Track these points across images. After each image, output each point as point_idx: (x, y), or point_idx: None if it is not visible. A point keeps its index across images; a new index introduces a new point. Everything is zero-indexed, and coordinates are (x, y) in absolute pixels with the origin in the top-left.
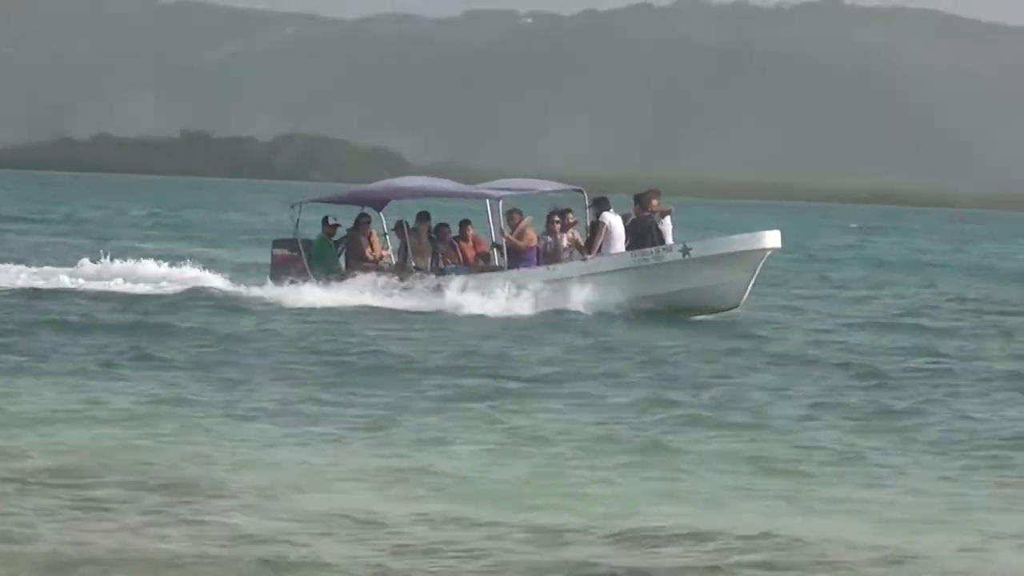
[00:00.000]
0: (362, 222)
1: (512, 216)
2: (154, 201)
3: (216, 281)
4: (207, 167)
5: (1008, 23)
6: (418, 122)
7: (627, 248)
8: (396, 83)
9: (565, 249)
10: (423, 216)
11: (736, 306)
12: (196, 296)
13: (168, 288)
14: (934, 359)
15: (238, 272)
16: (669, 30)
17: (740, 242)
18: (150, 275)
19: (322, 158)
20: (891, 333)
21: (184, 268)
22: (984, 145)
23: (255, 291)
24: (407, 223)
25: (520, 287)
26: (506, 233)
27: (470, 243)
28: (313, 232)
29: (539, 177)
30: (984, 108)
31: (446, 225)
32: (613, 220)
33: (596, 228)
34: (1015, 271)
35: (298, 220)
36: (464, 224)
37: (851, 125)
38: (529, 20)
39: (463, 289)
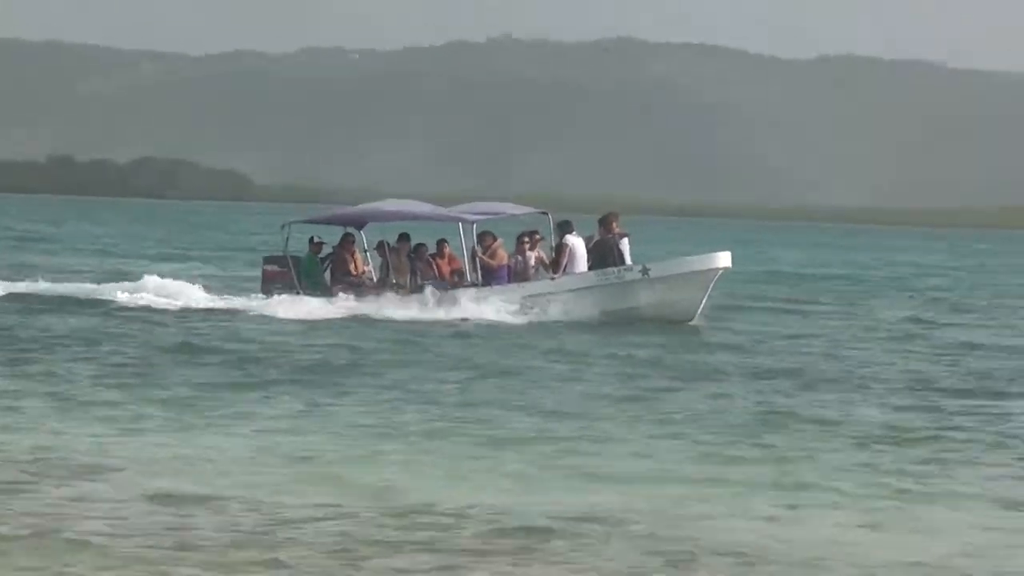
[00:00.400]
0: (347, 241)
1: (485, 238)
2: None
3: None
4: (71, 187)
5: (781, 56)
6: (262, 146)
7: (591, 267)
8: (242, 112)
9: (532, 267)
10: (404, 237)
11: (691, 319)
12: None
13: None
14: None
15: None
16: (483, 64)
17: (695, 263)
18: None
19: (177, 179)
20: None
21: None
22: (756, 163)
23: (246, 302)
24: (388, 243)
25: (504, 302)
26: (479, 253)
27: (446, 260)
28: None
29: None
30: (758, 131)
31: (423, 245)
32: (576, 242)
33: (560, 250)
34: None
35: (287, 239)
36: (441, 243)
37: (645, 146)
38: (356, 56)
39: (475, 300)
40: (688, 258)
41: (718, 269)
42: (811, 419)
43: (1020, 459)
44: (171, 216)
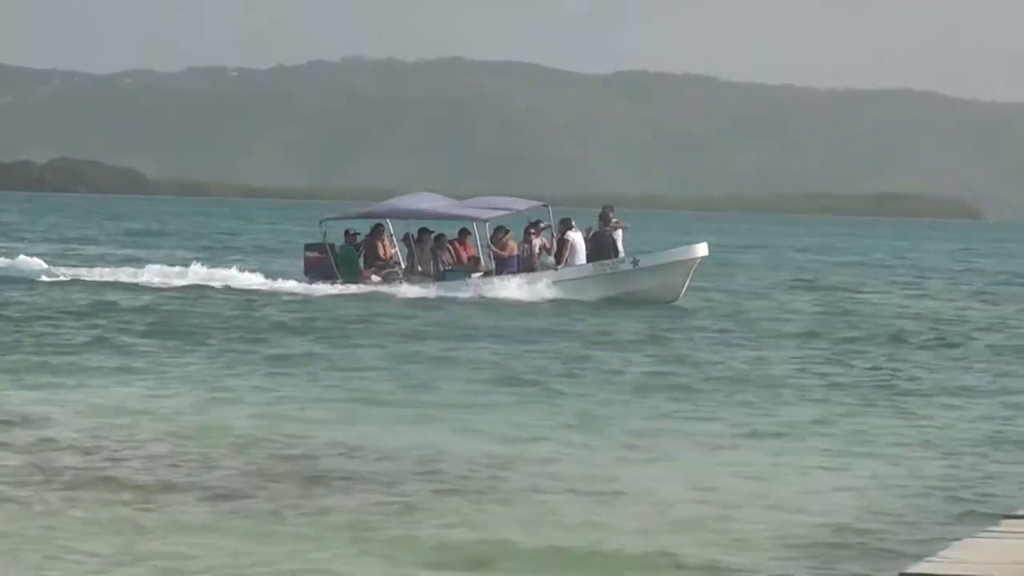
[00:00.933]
0: (378, 230)
1: (498, 232)
2: None
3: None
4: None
5: (586, 72)
6: (154, 148)
7: (589, 257)
8: (138, 121)
9: (536, 253)
10: (424, 231)
11: (676, 300)
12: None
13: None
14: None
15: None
16: (339, 80)
17: (678, 253)
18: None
19: (85, 176)
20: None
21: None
22: (568, 162)
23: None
24: (413, 235)
25: (521, 287)
26: (493, 247)
27: (465, 249)
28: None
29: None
30: (566, 136)
31: (443, 235)
32: (575, 237)
33: (562, 245)
34: None
35: (325, 232)
36: (463, 232)
37: (465, 147)
38: (235, 73)
39: (517, 285)
40: (673, 249)
41: (698, 258)
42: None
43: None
44: (88, 207)
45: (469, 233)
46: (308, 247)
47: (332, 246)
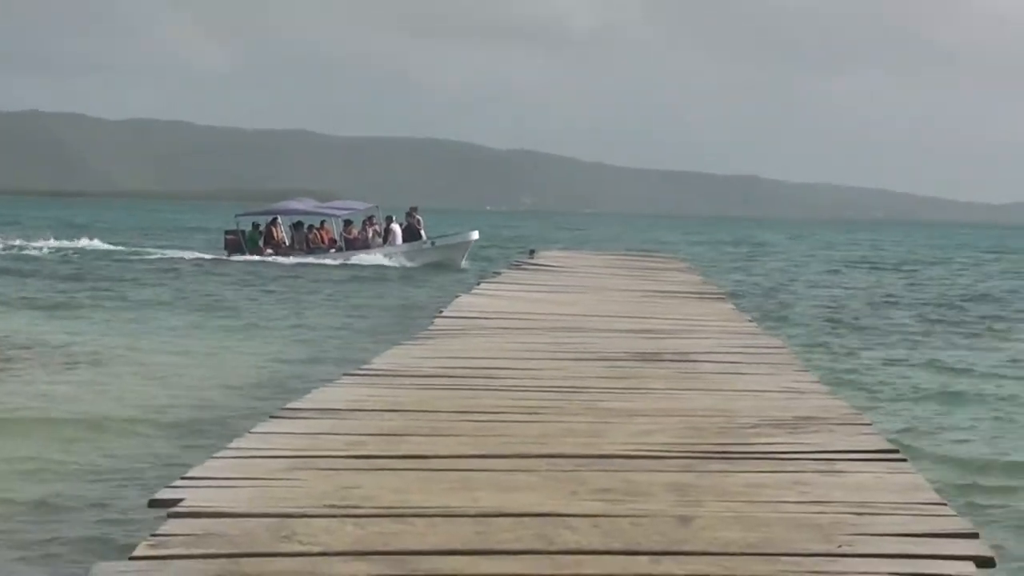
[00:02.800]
0: (274, 223)
1: (347, 224)
2: None
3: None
4: None
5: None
6: None
7: (405, 240)
8: None
9: (371, 238)
10: (299, 224)
11: (459, 267)
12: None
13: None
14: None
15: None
16: None
17: (460, 237)
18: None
19: None
20: None
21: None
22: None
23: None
24: (293, 225)
25: (362, 258)
26: (344, 233)
27: (326, 233)
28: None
29: None
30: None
31: (312, 225)
32: (395, 227)
33: (388, 232)
34: None
35: (238, 221)
36: (323, 223)
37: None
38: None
39: (351, 257)
40: (457, 234)
41: (472, 240)
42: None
43: None
44: None
45: (325, 223)
46: (227, 232)
47: (243, 232)
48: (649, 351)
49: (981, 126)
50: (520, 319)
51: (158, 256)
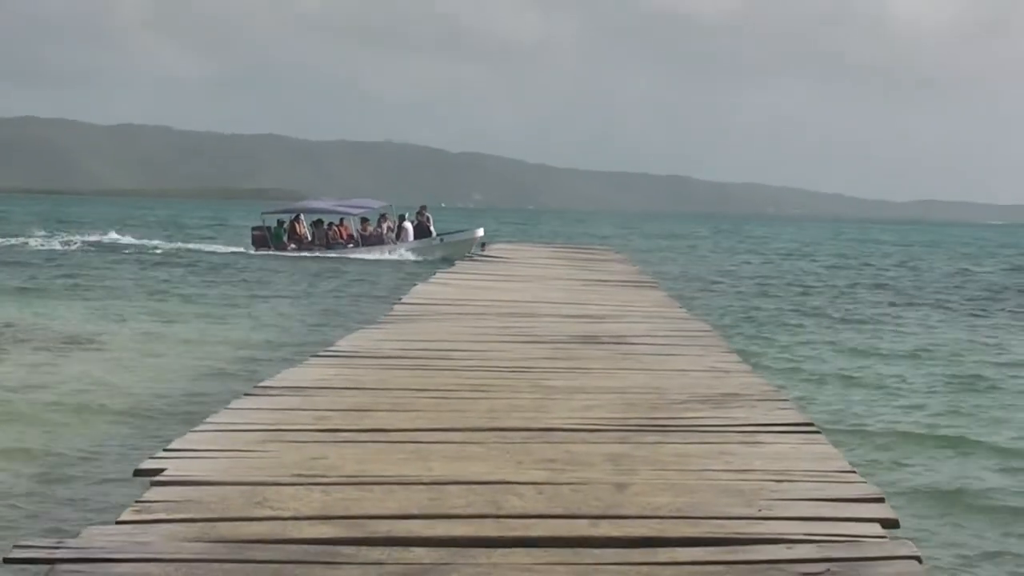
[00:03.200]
0: (297, 219)
1: (364, 220)
2: None
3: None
4: None
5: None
6: None
7: (416, 236)
8: None
9: (385, 234)
10: (319, 222)
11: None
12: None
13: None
14: None
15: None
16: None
17: (466, 234)
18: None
19: None
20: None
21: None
22: None
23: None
24: (315, 223)
25: (382, 252)
26: (360, 230)
27: (345, 230)
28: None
29: None
30: None
31: (331, 222)
32: (408, 224)
33: (401, 228)
34: None
35: (264, 218)
36: (342, 220)
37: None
38: None
39: (369, 252)
40: (463, 231)
41: (477, 236)
42: None
43: None
44: None
45: (345, 221)
46: (254, 228)
47: (269, 228)
48: (588, 334)
49: (886, 133)
50: (471, 305)
51: (192, 248)
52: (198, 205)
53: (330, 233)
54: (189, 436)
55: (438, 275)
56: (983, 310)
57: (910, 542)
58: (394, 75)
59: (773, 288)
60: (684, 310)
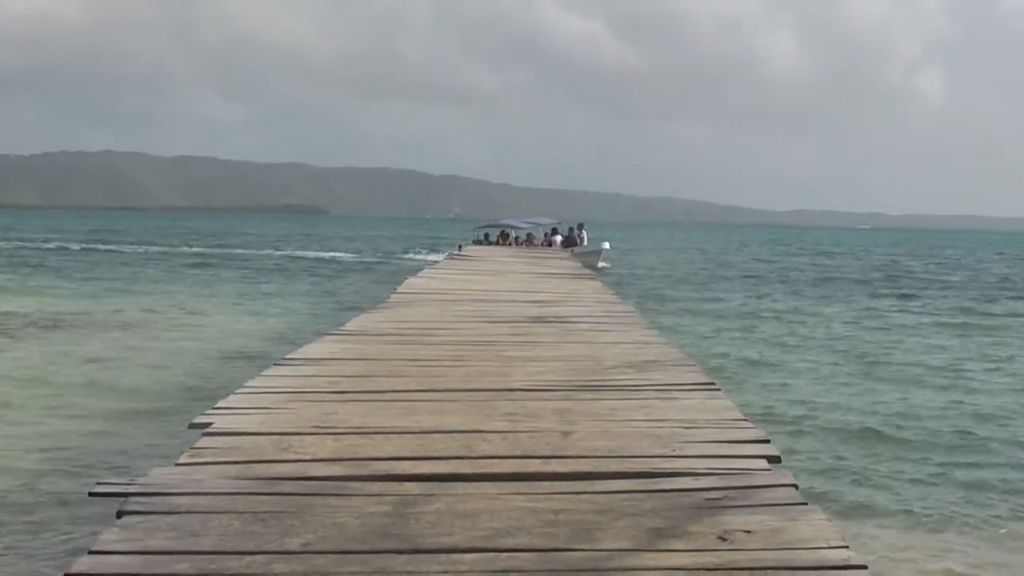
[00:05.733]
0: (503, 232)
1: (531, 233)
2: None
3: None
4: None
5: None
6: None
7: (563, 246)
8: None
9: (552, 246)
10: (505, 233)
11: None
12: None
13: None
14: None
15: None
16: None
17: (595, 246)
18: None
19: None
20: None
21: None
22: None
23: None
24: (502, 235)
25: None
26: (533, 240)
27: (528, 240)
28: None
29: None
30: None
31: (518, 236)
32: (556, 237)
33: (551, 241)
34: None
35: (477, 232)
36: (529, 235)
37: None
38: None
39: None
40: (594, 243)
41: (603, 248)
42: None
43: None
44: None
45: (531, 234)
46: (476, 241)
47: (481, 238)
48: (540, 315)
49: (766, 157)
50: (450, 294)
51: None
52: (242, 218)
53: (521, 243)
54: (231, 397)
55: (425, 271)
56: (813, 288)
57: (789, 473)
58: (386, 115)
59: (680, 279)
60: (615, 295)
